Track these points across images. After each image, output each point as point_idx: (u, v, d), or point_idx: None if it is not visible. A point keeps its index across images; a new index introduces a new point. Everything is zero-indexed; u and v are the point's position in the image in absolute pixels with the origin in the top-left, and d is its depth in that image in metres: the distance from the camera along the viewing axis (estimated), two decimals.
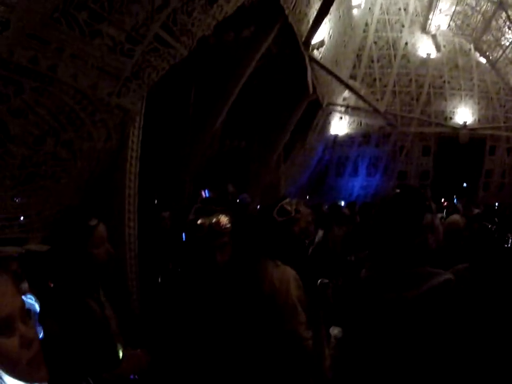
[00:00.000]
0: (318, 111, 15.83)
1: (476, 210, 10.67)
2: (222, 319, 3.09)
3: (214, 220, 3.06)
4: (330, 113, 18.67)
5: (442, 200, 14.84)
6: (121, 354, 2.60)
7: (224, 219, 3.13)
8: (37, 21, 3.72)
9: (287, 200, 3.53)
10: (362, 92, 18.07)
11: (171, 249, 5.87)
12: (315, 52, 12.26)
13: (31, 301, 3.12)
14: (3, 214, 4.26)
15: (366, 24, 19.51)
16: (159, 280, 5.43)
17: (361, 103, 18.55)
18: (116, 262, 4.83)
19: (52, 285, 2.62)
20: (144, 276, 5.38)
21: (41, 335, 2.73)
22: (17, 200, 4.34)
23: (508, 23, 17.66)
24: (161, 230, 6.65)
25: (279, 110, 12.57)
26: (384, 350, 2.26)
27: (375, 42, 19.88)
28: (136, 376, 2.66)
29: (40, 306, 2.44)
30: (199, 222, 2.92)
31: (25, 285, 3.32)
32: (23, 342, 1.46)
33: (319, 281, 3.86)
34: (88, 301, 2.55)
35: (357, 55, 19.50)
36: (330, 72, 13.52)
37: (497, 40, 19.05)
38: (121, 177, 5.13)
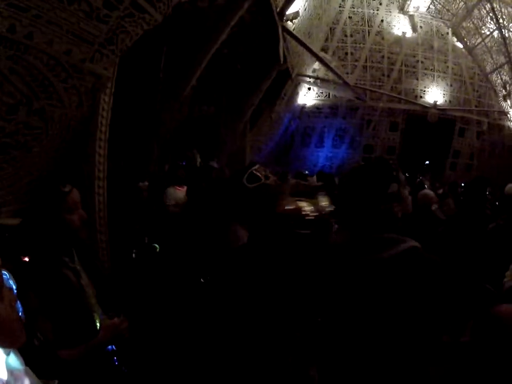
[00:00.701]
0: (287, 81, 15.85)
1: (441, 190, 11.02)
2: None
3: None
4: (299, 83, 18.76)
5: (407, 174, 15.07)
6: (98, 324, 2.65)
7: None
8: None
9: (257, 166, 3.55)
10: (332, 65, 18.09)
11: (148, 222, 5.81)
12: (289, 22, 12.27)
13: (5, 276, 3.16)
14: None
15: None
16: (133, 255, 5.40)
17: (330, 76, 18.64)
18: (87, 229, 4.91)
19: (27, 259, 2.65)
20: (119, 249, 5.35)
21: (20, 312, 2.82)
22: None
23: (491, 14, 17.79)
24: (138, 201, 6.47)
25: (248, 78, 12.56)
26: (354, 311, 2.34)
27: (350, 17, 20.04)
28: (113, 347, 2.73)
29: (17, 282, 2.50)
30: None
31: None
32: (11, 305, 1.60)
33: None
34: (64, 270, 2.61)
35: (330, 29, 19.55)
36: (302, 44, 13.57)
37: (477, 28, 19.35)
38: (92, 144, 5.15)
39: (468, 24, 19.67)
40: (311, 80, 19.20)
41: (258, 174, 3.41)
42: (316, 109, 20.82)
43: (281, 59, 12.14)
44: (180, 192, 6.81)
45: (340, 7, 19.45)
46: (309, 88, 20.25)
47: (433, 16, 20.30)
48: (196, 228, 4.54)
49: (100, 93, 5.06)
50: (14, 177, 4.52)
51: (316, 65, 18.87)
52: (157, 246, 5.43)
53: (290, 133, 20.64)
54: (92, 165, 5.13)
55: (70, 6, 4.11)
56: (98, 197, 5.17)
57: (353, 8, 19.94)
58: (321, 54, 17.82)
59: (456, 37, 20.26)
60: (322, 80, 19.22)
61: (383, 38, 20.28)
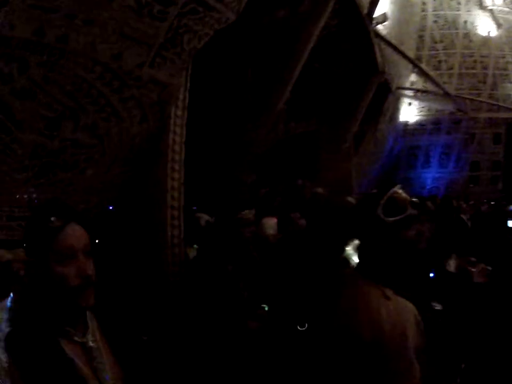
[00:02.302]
0: (388, 96, 14.69)
1: None
2: None
3: None
4: (399, 98, 17.57)
5: None
6: None
7: None
8: None
9: (398, 188, 2.30)
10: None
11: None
12: (379, 26, 11.29)
13: None
14: (17, 213, 3.53)
15: (424, 3, 18.50)
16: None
17: (429, 87, 17.49)
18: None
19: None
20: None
21: None
22: (32, 196, 3.57)
23: None
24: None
25: (347, 92, 11.53)
26: None
27: (435, 22, 18.80)
28: None
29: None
30: None
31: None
32: None
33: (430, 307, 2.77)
34: (63, 343, 1.54)
35: (419, 36, 18.48)
36: (398, 51, 12.46)
37: None
38: (163, 166, 4.22)
39: None
40: (411, 93, 17.96)
41: (402, 200, 2.13)
42: (419, 125, 19.48)
43: (380, 66, 11.06)
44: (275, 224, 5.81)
45: (422, 11, 18.41)
46: (409, 103, 19.00)
47: (510, 10, 18.80)
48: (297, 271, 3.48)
49: (170, 105, 4.18)
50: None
51: (413, 77, 17.73)
52: (265, 306, 4.00)
53: (395, 153, 19.42)
54: (164, 191, 4.18)
55: (112, 2, 3.38)
56: (172, 230, 4.19)
57: (436, 10, 18.78)
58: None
59: None
60: (424, 91, 17.91)
61: (471, 41, 18.85)
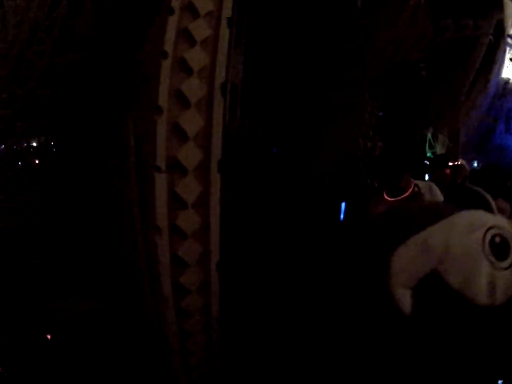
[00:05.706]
0: (500, 41, 12.92)
1: None
2: None
3: None
4: (504, 50, 15.23)
5: None
6: None
7: None
8: None
9: None
10: None
11: None
12: None
13: None
14: None
15: None
16: None
17: None
18: None
19: None
20: None
21: None
22: None
23: None
24: None
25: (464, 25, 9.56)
26: None
27: None
28: None
29: None
30: None
31: None
32: None
33: None
34: None
35: None
36: None
37: None
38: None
39: None
40: None
41: None
42: None
43: None
44: None
45: None
46: (511, 59, 16.88)
47: None
48: None
49: None
50: None
51: None
52: None
53: (493, 114, 16.87)
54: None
55: None
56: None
57: None
58: None
59: None
60: None
61: None
